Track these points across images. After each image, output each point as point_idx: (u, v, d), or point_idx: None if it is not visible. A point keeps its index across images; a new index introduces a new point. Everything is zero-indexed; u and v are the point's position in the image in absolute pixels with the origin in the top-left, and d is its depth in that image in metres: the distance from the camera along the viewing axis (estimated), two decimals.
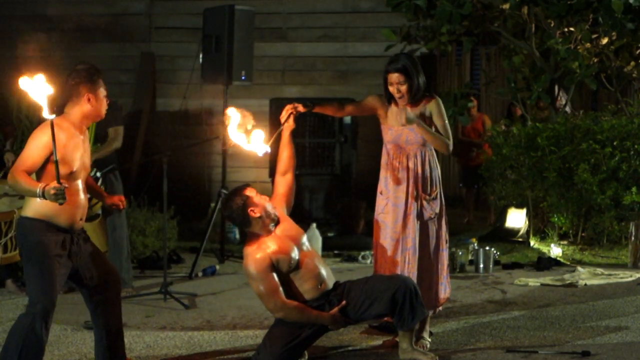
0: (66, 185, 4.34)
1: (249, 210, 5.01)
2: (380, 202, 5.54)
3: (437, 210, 5.51)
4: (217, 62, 8.74)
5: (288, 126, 5.35)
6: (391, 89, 5.42)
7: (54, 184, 4.29)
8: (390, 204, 5.47)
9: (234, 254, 8.71)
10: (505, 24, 9.80)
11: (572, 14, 9.19)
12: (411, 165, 5.47)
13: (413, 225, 5.43)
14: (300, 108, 5.32)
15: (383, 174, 5.55)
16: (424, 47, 9.90)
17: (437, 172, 5.56)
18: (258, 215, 5.02)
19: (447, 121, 5.49)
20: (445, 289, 5.59)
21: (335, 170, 10.00)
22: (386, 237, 5.47)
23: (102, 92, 4.70)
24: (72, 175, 4.56)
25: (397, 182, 5.46)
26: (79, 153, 4.61)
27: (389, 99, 5.48)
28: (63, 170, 4.39)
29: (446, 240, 5.59)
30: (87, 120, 4.72)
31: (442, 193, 5.57)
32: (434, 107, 5.47)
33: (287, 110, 5.33)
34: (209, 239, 8.52)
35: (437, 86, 11.93)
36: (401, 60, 5.43)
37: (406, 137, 5.46)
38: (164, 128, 11.46)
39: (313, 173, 9.96)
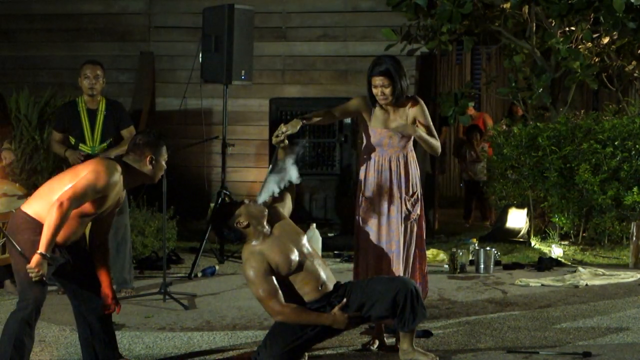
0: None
1: (235, 224, 5.02)
2: (363, 203, 5.48)
3: (419, 211, 5.50)
4: (216, 61, 8.72)
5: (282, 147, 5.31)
6: (375, 91, 5.40)
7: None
8: (373, 206, 5.43)
9: (233, 254, 8.69)
10: (506, 24, 9.78)
11: (573, 13, 9.17)
12: (393, 167, 5.45)
13: (397, 227, 5.41)
14: (290, 130, 5.21)
15: (364, 175, 5.50)
16: (424, 46, 9.88)
17: (418, 173, 5.55)
18: (246, 222, 5.01)
19: (431, 124, 5.50)
20: (424, 289, 5.59)
21: (335, 170, 9.98)
22: (370, 239, 5.43)
23: (165, 158, 4.87)
24: (91, 213, 4.69)
25: (380, 184, 5.43)
26: (114, 204, 4.77)
27: (373, 101, 5.46)
28: (92, 208, 4.64)
29: (424, 241, 5.59)
30: (138, 178, 4.84)
31: (421, 194, 5.56)
32: (419, 111, 5.46)
33: (277, 138, 5.21)
34: (209, 239, 8.50)
35: (438, 86, 11.91)
36: (385, 63, 5.39)
37: (389, 139, 5.44)
38: (164, 128, 11.43)
39: (313, 173, 9.93)
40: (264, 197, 5.16)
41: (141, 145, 4.80)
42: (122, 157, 4.83)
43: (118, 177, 4.66)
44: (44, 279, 4.50)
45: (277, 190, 5.19)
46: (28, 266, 4.44)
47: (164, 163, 4.87)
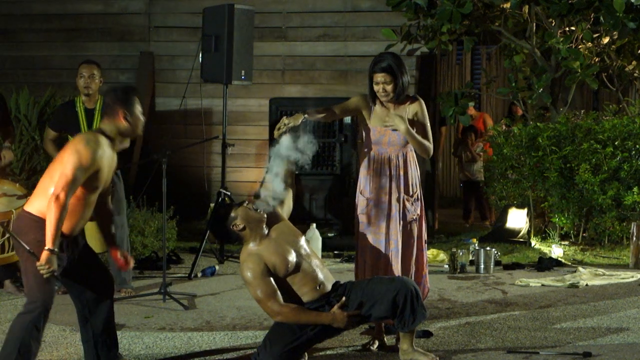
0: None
1: (231, 227, 5.05)
2: (362, 202, 5.49)
3: (419, 211, 5.50)
4: (216, 61, 8.71)
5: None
6: (376, 88, 5.41)
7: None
8: (372, 205, 5.43)
9: (233, 254, 8.69)
10: (506, 23, 9.79)
11: (573, 13, 9.17)
12: (393, 165, 5.44)
13: (396, 227, 5.41)
14: (292, 123, 5.21)
15: (364, 174, 5.50)
16: (424, 46, 9.88)
17: (418, 173, 5.54)
18: (242, 226, 5.03)
19: (428, 125, 5.49)
20: (424, 288, 5.59)
21: (335, 170, 9.98)
22: (368, 238, 5.43)
23: (139, 109, 4.78)
24: (94, 190, 4.63)
25: (379, 183, 5.43)
26: (111, 172, 4.72)
27: (374, 99, 5.45)
28: (90, 185, 4.58)
29: (425, 240, 5.59)
30: (122, 138, 4.77)
31: (421, 194, 5.55)
32: (418, 110, 5.45)
33: (279, 131, 5.23)
34: (209, 239, 8.49)
35: (438, 86, 11.91)
36: (386, 59, 5.40)
37: (389, 138, 5.44)
38: (163, 128, 11.43)
39: (313, 173, 9.93)
40: (277, 167, 5.15)
41: (111, 104, 4.71)
42: (100, 126, 4.75)
43: (100, 147, 4.56)
44: (55, 274, 4.48)
45: (294, 156, 5.17)
46: (38, 263, 4.41)
47: (139, 115, 4.76)
